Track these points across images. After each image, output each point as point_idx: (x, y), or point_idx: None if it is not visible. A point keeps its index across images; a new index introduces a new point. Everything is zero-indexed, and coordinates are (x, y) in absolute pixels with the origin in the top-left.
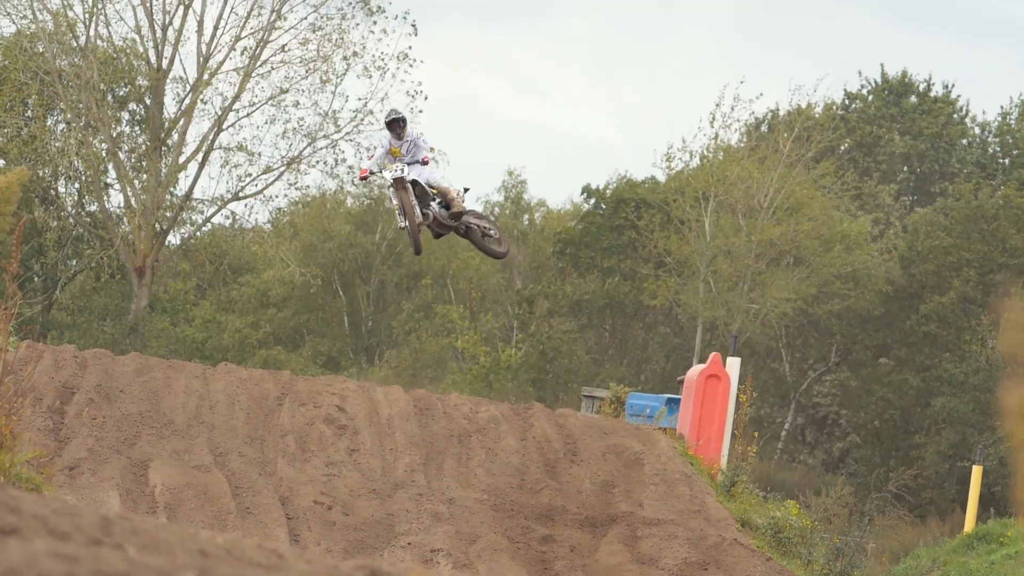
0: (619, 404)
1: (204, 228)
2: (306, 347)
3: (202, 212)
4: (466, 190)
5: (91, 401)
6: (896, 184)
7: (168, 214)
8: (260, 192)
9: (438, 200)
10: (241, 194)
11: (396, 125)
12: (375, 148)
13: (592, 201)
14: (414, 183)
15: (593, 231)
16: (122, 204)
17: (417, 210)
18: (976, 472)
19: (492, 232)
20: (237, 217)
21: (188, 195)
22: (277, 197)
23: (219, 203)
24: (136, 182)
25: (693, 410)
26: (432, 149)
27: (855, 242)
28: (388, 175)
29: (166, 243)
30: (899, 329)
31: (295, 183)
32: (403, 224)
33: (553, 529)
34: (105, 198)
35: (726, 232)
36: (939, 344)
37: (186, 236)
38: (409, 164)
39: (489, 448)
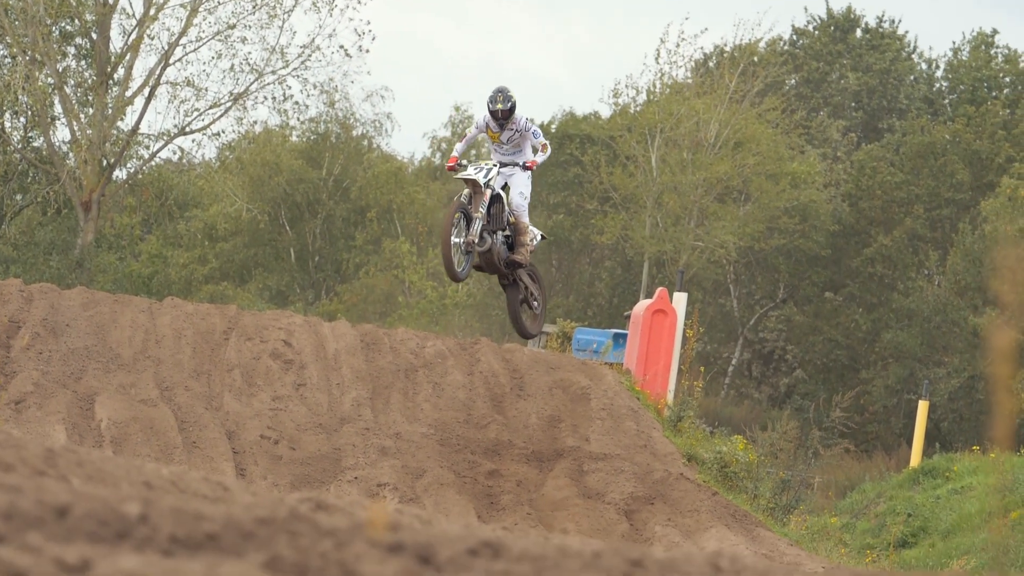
0: (566, 339)
1: (151, 163)
2: (253, 282)
3: (148, 147)
4: (542, 238)
5: (37, 335)
6: (846, 120)
7: (115, 149)
8: (207, 127)
9: (507, 232)
10: (188, 129)
11: (499, 115)
12: (471, 125)
13: None
14: (495, 197)
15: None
16: (68, 139)
17: (476, 227)
18: (922, 407)
19: (535, 304)
20: (185, 152)
21: (134, 130)
22: (224, 133)
23: (166, 138)
24: (82, 116)
25: (640, 345)
26: (544, 147)
27: (803, 180)
28: (467, 171)
29: (113, 178)
30: (846, 267)
31: (242, 118)
32: (457, 240)
33: (500, 464)
34: (52, 132)
35: (672, 168)
36: (886, 283)
37: (132, 171)
38: (505, 164)
39: (436, 383)
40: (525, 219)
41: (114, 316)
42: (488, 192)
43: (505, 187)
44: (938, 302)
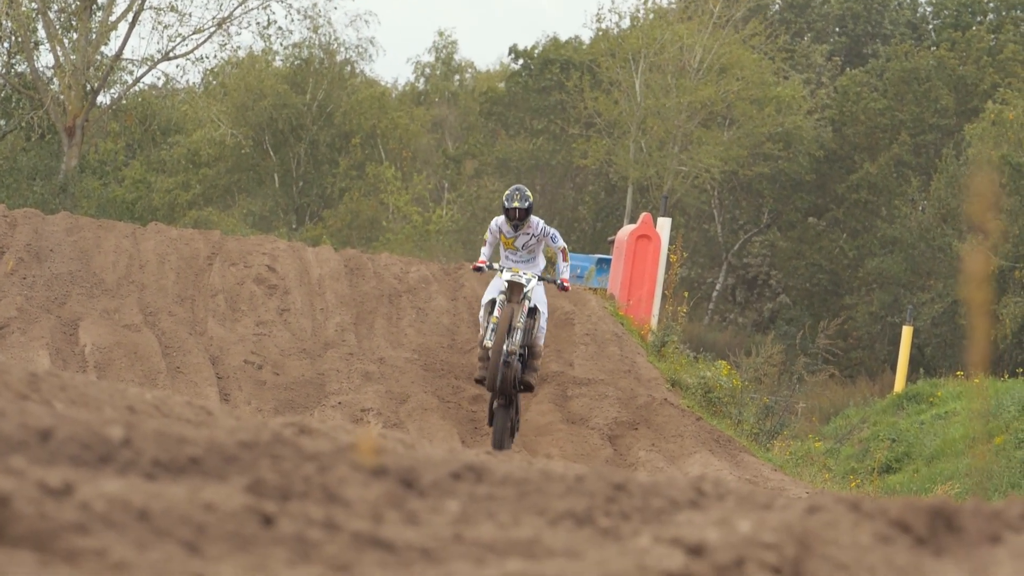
0: (549, 264)
1: (135, 89)
2: (237, 207)
3: (132, 73)
4: None
5: (21, 260)
6: (829, 45)
7: (99, 74)
8: (191, 52)
9: (524, 350)
10: (171, 55)
11: (515, 215)
12: (489, 230)
13: (520, 62)
14: (531, 310)
15: (519, 91)
16: (52, 64)
17: (517, 338)
18: (906, 332)
19: (516, 430)
20: (169, 78)
21: (118, 55)
22: (208, 58)
23: (149, 63)
24: (66, 41)
25: (624, 270)
26: (565, 252)
27: (787, 105)
28: (505, 276)
29: (96, 103)
30: (831, 193)
31: (226, 44)
32: (489, 343)
33: (483, 389)
34: (35, 57)
35: (656, 93)
36: (870, 209)
37: (116, 96)
38: (543, 278)
39: (419, 308)
40: (542, 341)
41: (98, 241)
42: (527, 304)
43: None
44: (922, 228)
